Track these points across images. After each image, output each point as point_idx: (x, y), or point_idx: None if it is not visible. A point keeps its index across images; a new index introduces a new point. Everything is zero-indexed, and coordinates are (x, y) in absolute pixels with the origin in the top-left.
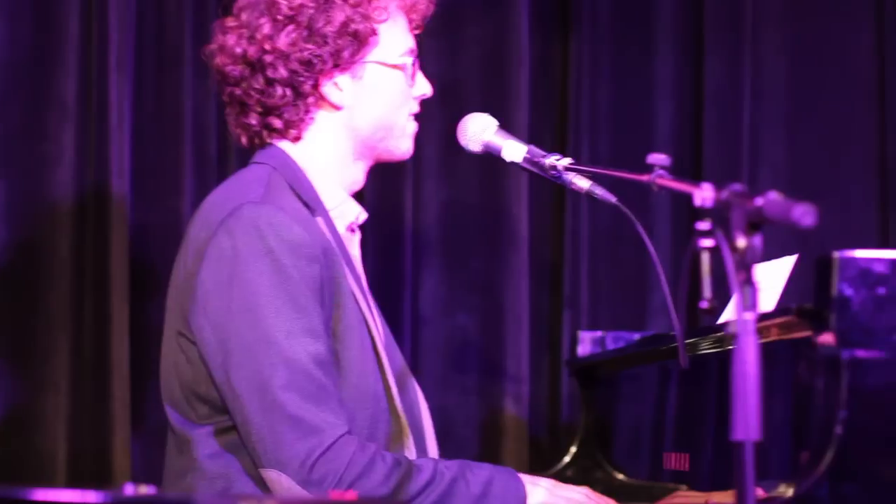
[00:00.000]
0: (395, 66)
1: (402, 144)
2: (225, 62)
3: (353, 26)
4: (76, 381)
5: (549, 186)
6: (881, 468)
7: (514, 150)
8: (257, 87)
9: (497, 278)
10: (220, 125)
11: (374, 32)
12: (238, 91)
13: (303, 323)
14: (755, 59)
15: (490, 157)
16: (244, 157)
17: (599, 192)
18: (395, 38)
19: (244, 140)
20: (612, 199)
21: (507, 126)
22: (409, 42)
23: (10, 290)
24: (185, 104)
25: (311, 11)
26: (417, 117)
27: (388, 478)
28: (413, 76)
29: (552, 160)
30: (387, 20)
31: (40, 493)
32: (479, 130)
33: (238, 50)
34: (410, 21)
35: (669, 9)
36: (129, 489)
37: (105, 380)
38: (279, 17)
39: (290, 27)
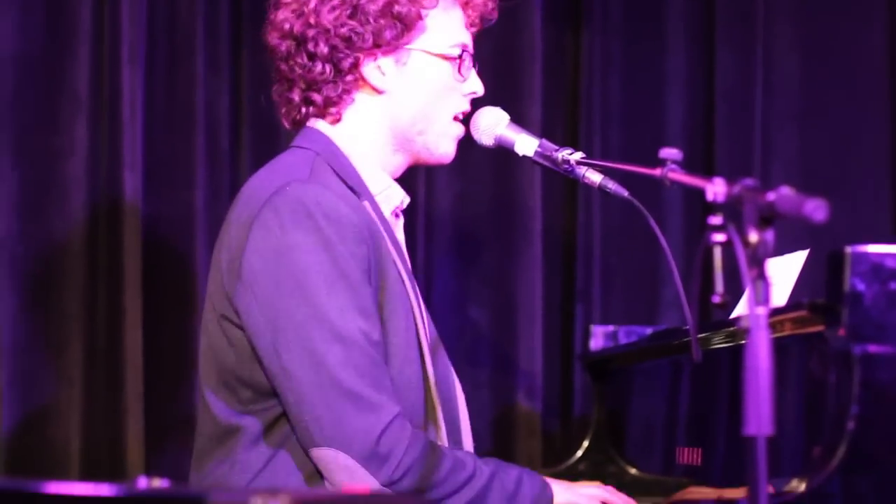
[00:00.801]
0: (441, 56)
1: (441, 144)
2: (274, 37)
3: (396, 7)
4: (89, 373)
5: (561, 180)
6: (893, 463)
7: (526, 144)
8: (301, 62)
9: (510, 272)
10: (233, 117)
11: (419, 17)
12: (284, 66)
13: (355, 301)
14: (767, 53)
15: (503, 151)
16: (257, 150)
17: (612, 186)
18: (445, 29)
19: (287, 121)
20: (625, 193)
21: (519, 120)
22: (461, 36)
23: (23, 282)
24: (197, 97)
25: None
26: (465, 118)
27: (438, 467)
28: (463, 71)
29: (564, 154)
30: (435, 7)
31: (53, 487)
32: (491, 124)
33: (287, 25)
34: (467, 16)
35: (681, 3)
36: (143, 482)
37: (118, 372)
38: None
39: (335, 2)
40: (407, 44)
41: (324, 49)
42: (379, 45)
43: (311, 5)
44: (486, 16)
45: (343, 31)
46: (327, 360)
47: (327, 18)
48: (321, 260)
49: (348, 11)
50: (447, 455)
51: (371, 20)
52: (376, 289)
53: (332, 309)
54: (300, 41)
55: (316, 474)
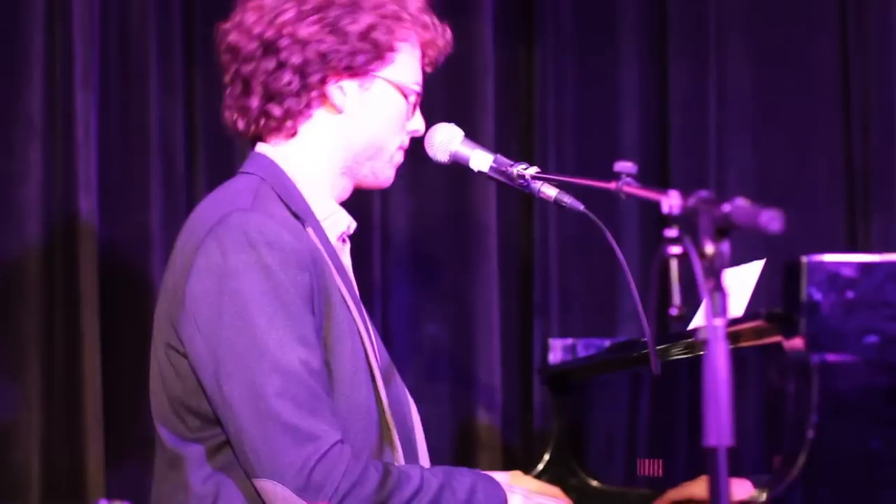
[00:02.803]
0: (401, 90)
1: (385, 170)
2: (240, 38)
3: (374, 34)
4: (48, 396)
5: (516, 195)
6: (854, 471)
7: (481, 160)
8: (267, 68)
9: (467, 288)
10: (188, 138)
11: (392, 49)
12: (246, 69)
13: (294, 330)
14: (720, 65)
15: (457, 167)
16: (213, 170)
17: (567, 200)
18: (408, 65)
19: (240, 124)
20: (580, 206)
21: (473, 135)
22: (418, 75)
23: None
24: (151, 119)
25: (339, 10)
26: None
27: (380, 487)
28: (413, 109)
29: (519, 169)
30: (408, 42)
31: None
32: (445, 140)
33: (256, 29)
34: (424, 55)
35: (633, 16)
36: None
37: (77, 395)
38: (306, 8)
39: (315, 17)
40: (374, 71)
41: (296, 60)
42: (350, 67)
43: (288, 16)
44: (439, 59)
45: (321, 46)
46: (265, 392)
47: (305, 31)
48: (262, 289)
49: (328, 29)
50: (391, 472)
51: (349, 41)
52: (321, 316)
53: (271, 339)
54: (269, 48)
55: (260, 501)
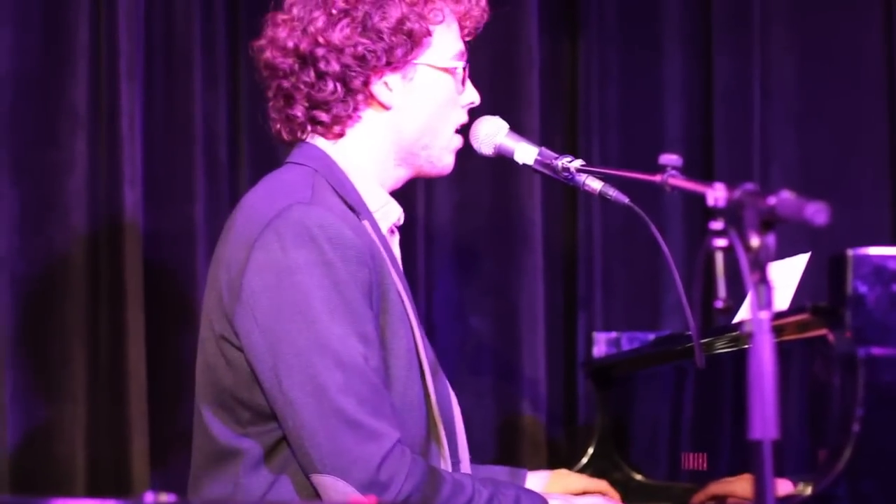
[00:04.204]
0: (445, 70)
1: (444, 157)
2: (275, 55)
3: (408, 25)
4: (93, 389)
5: (561, 188)
6: None
7: (525, 153)
8: (307, 80)
9: (511, 280)
10: (231, 130)
11: (428, 33)
12: (287, 83)
13: (356, 327)
14: (764, 57)
15: (502, 160)
16: (256, 162)
17: (612, 192)
18: (447, 42)
19: (285, 135)
20: (625, 199)
21: (517, 128)
22: (460, 47)
23: (25, 299)
24: (195, 111)
25: (367, 7)
26: (463, 129)
27: (438, 491)
28: (462, 83)
29: (564, 162)
30: (442, 22)
31: None
32: (490, 133)
33: (290, 43)
34: (462, 28)
35: (677, 9)
36: (150, 498)
37: (122, 388)
38: (334, 12)
39: (345, 21)
40: (413, 59)
41: (335, 67)
42: (390, 63)
43: (319, 24)
44: (478, 26)
45: (357, 49)
46: (328, 388)
47: (338, 37)
48: (323, 284)
49: (359, 29)
50: (446, 479)
51: (384, 38)
52: (378, 312)
53: (333, 335)
54: (307, 59)
55: (316, 497)
